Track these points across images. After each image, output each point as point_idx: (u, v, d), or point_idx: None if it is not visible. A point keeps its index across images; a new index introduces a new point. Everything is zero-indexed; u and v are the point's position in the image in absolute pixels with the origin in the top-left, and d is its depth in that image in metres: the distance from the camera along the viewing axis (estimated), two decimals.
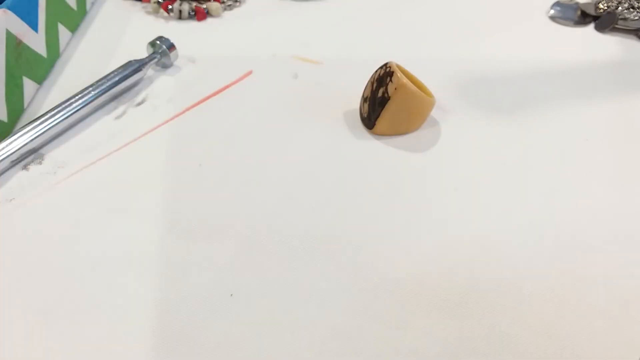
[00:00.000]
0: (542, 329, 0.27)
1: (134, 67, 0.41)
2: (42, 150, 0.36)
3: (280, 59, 0.46)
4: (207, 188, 0.34)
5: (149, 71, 0.43)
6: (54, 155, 0.36)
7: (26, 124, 0.35)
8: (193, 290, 0.28)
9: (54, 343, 0.26)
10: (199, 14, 0.51)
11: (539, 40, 0.49)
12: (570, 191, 0.34)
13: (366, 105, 0.38)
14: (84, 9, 0.50)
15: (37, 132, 0.35)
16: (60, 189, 0.33)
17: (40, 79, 0.41)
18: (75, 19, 0.48)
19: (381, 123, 0.37)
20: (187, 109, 0.40)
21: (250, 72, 0.44)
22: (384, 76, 0.36)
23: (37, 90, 0.41)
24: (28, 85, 0.39)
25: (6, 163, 0.34)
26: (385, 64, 0.37)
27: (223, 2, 0.53)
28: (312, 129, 0.39)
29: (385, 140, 0.38)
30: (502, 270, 0.29)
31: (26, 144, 0.35)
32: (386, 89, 0.36)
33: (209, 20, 0.51)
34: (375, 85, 0.37)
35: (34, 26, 0.39)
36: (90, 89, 0.38)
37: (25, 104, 0.39)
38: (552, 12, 0.53)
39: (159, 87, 0.42)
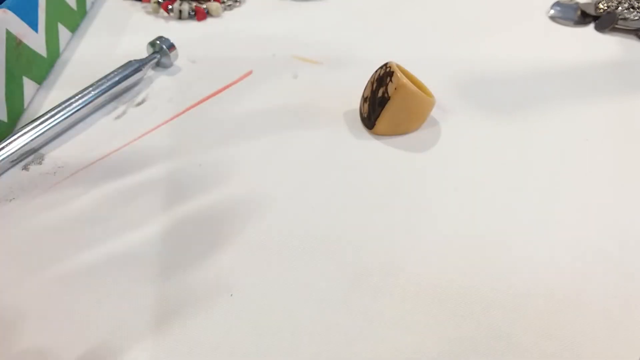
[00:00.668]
0: (542, 329, 0.27)
1: (134, 67, 0.41)
2: (42, 150, 0.36)
3: (280, 59, 0.46)
4: (207, 188, 0.34)
5: (149, 71, 0.43)
6: (54, 155, 0.36)
7: (26, 124, 0.35)
8: (193, 290, 0.28)
9: (54, 343, 0.26)
10: (199, 14, 0.51)
11: (539, 40, 0.49)
12: (570, 191, 0.34)
13: (366, 105, 0.38)
14: (84, 9, 0.50)
15: (37, 132, 0.35)
16: (60, 189, 0.34)
17: (40, 79, 0.41)
18: (75, 19, 0.48)
19: (381, 123, 0.37)
20: (187, 109, 0.40)
21: (250, 72, 0.44)
22: (384, 76, 0.36)
23: (37, 90, 0.41)
24: (28, 85, 0.39)
25: (6, 163, 0.34)
26: (385, 64, 0.37)
27: (223, 2, 0.53)
28: (312, 129, 0.39)
29: (385, 140, 0.38)
30: (502, 270, 0.29)
31: (26, 144, 0.35)
32: (386, 89, 0.36)
33: (209, 20, 0.51)
34: (375, 85, 0.37)
35: (34, 26, 0.39)
36: (90, 89, 0.38)
37: (25, 104, 0.39)
38: (552, 12, 0.53)
39: (159, 87, 0.42)
